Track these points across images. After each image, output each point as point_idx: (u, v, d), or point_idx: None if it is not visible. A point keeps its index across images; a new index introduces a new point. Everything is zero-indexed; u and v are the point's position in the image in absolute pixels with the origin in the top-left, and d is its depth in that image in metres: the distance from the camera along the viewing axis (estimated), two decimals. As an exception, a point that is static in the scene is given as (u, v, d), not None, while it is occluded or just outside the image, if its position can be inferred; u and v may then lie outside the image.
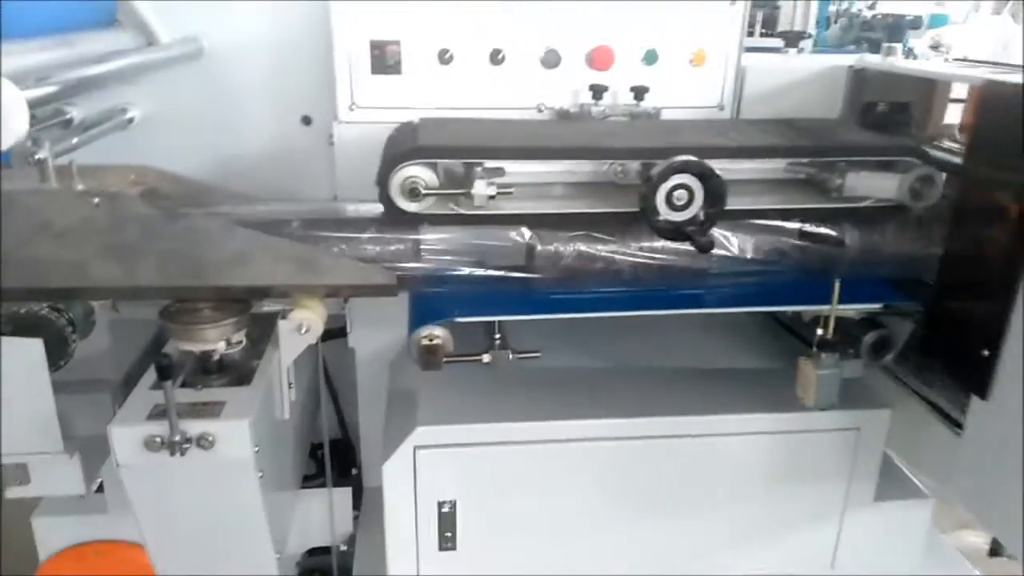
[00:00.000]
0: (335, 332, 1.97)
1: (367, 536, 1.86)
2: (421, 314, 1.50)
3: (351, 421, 2.30)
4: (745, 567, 1.72)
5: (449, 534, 1.59)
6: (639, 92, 1.76)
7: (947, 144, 1.66)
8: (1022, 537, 1.23)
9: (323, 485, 1.94)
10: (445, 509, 1.57)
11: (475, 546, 1.61)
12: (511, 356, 1.52)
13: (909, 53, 1.92)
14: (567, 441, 1.55)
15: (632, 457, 1.58)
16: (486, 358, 1.50)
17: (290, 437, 1.67)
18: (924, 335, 1.49)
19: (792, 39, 2.30)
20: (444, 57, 1.77)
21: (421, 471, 1.54)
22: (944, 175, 1.43)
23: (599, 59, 1.79)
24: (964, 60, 1.87)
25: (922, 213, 1.47)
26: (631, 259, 1.43)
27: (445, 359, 1.45)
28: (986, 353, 1.31)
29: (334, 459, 2.12)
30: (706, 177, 1.33)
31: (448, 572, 1.62)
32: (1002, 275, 1.27)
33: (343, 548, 1.91)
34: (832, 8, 7.68)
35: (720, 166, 1.41)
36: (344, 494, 1.90)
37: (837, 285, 1.43)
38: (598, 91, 1.76)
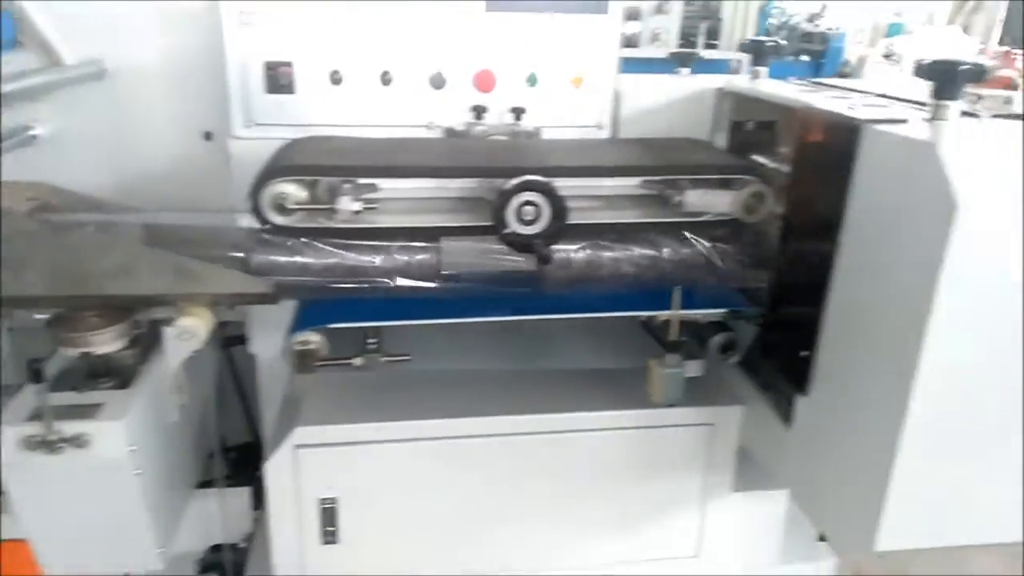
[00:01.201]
0: (240, 338, 2.07)
1: (265, 533, 1.96)
2: (301, 320, 1.60)
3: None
4: (617, 556, 1.85)
5: (331, 528, 1.69)
6: (518, 112, 1.89)
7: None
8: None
9: (237, 484, 2.03)
10: (327, 505, 1.67)
11: (357, 540, 1.71)
12: (383, 360, 1.63)
13: (846, 64, 2.06)
14: (439, 439, 1.67)
15: (500, 454, 1.70)
16: (357, 362, 1.61)
17: (183, 439, 1.76)
18: (763, 337, 1.64)
19: (684, 59, 2.45)
20: (335, 78, 1.88)
21: (302, 469, 1.64)
22: (770, 190, 1.58)
23: (482, 81, 1.91)
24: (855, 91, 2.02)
25: (760, 226, 1.61)
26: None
27: (318, 363, 1.56)
28: (805, 353, 1.46)
29: (246, 460, 2.22)
30: (550, 195, 1.46)
31: (332, 565, 1.72)
32: (817, 283, 1.41)
33: (242, 545, 2.00)
34: (772, 21, 7.94)
35: (575, 183, 1.55)
36: (244, 493, 1.99)
37: (677, 293, 1.57)
38: (479, 111, 1.88)
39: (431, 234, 1.55)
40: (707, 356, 1.70)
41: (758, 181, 1.58)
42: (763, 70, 2.04)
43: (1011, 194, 1.09)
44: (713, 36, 7.43)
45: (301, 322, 1.59)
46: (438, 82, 1.91)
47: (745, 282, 1.62)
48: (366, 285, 1.50)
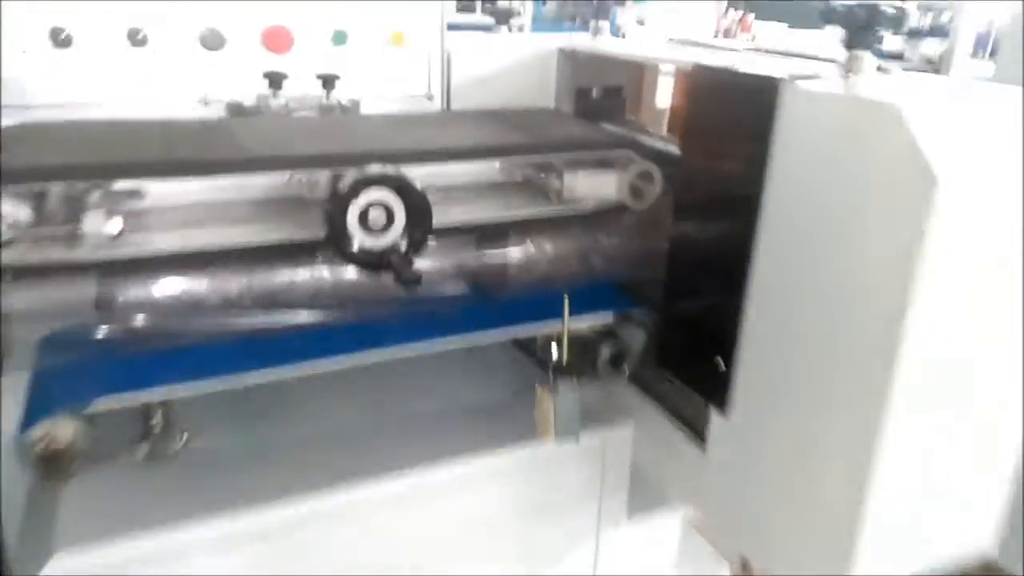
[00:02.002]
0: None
1: None
2: (39, 402, 1.07)
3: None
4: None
5: None
6: (328, 80, 1.46)
7: (664, 133, 1.57)
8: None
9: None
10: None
11: None
12: (182, 440, 1.15)
13: (617, 32, 1.84)
14: (266, 534, 1.22)
15: (361, 532, 1.30)
16: (137, 454, 1.12)
17: None
18: (659, 343, 1.39)
19: (502, 16, 2.13)
20: (60, 38, 1.32)
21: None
22: (660, 169, 1.32)
23: (274, 40, 1.45)
24: (676, 39, 1.82)
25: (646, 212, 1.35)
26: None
27: (76, 464, 1.05)
28: (722, 367, 1.23)
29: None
30: (406, 192, 1.07)
31: None
32: (728, 277, 1.17)
33: None
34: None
35: (425, 171, 1.17)
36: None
37: (567, 302, 1.27)
38: (276, 80, 1.42)
39: (230, 258, 1.10)
40: (597, 372, 1.43)
41: (644, 159, 1.31)
42: (604, 25, 1.79)
43: (990, 157, 0.91)
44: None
45: (39, 405, 1.05)
46: (213, 42, 1.41)
47: (636, 279, 1.36)
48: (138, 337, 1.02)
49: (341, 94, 1.51)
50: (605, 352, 1.44)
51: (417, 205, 1.08)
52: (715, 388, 1.22)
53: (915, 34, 9.85)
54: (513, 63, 1.69)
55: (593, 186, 1.27)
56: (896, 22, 1.08)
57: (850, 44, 1.09)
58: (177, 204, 1.10)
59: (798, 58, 1.34)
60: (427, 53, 1.61)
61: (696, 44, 1.64)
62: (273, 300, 1.13)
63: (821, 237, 1.02)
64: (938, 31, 9.52)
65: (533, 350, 1.52)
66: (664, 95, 1.79)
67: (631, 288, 1.42)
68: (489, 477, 1.43)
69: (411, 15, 1.57)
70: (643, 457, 1.54)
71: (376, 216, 1.06)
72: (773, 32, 10.68)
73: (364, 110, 1.55)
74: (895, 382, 0.94)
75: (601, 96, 1.77)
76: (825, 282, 1.02)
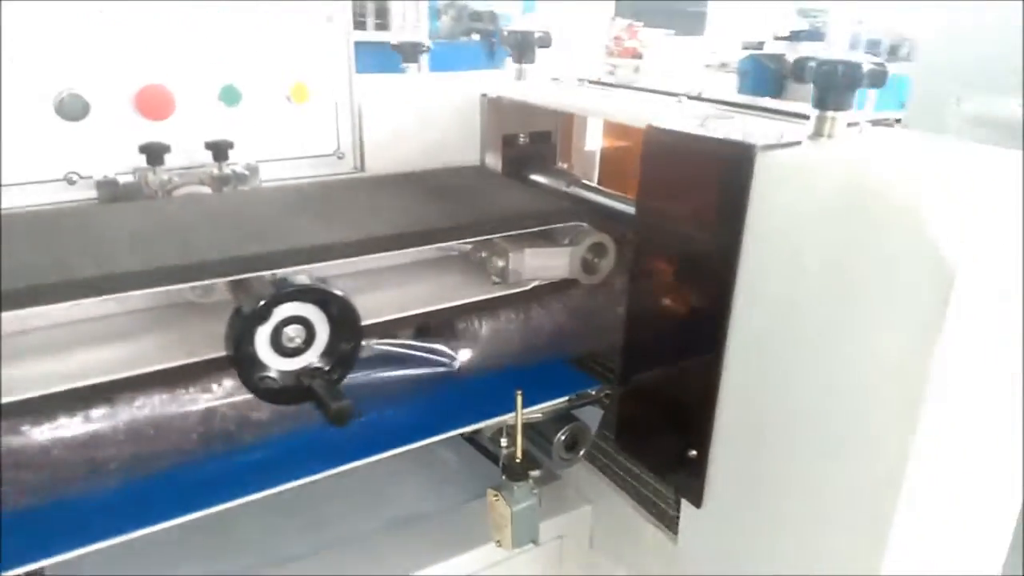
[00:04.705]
0: None
1: None
2: None
3: None
4: None
5: None
6: (219, 149, 1.23)
7: (596, 182, 1.44)
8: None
9: None
10: None
11: None
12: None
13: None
14: None
15: None
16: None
17: None
18: (618, 425, 1.26)
19: (409, 53, 1.93)
20: None
21: None
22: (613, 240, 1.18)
23: (148, 103, 1.22)
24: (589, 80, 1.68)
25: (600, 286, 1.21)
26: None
27: None
28: (693, 453, 1.10)
29: None
30: (329, 303, 0.88)
31: None
32: (698, 355, 1.05)
33: None
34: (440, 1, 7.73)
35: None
36: None
37: (519, 397, 1.11)
38: (154, 153, 1.19)
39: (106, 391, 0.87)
40: (552, 459, 1.28)
41: (594, 230, 1.16)
42: (528, 67, 1.64)
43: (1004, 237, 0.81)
44: (382, 16, 7.01)
45: None
46: (73, 110, 1.17)
47: (594, 353, 1.22)
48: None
49: (239, 158, 1.29)
50: (561, 438, 1.29)
51: (345, 318, 0.89)
52: (685, 476, 1.10)
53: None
54: (433, 111, 1.52)
55: (540, 267, 1.12)
56: (878, 79, 0.97)
57: (822, 104, 0.99)
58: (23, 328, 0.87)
59: (753, 111, 1.22)
60: (334, 106, 1.41)
61: (619, 86, 1.50)
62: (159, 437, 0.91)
63: (810, 312, 0.91)
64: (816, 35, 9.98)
65: (481, 442, 1.36)
66: (594, 140, 1.67)
67: (587, 361, 1.29)
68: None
69: (313, 65, 1.36)
70: (605, 544, 1.41)
71: (293, 333, 0.87)
72: (657, 38, 10.97)
73: (265, 176, 1.34)
74: (904, 485, 0.84)
75: (529, 142, 1.62)
76: (819, 371, 0.91)
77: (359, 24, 6.88)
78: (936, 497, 0.87)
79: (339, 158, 1.44)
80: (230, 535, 1.21)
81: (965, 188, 0.83)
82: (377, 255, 1.02)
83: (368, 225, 1.04)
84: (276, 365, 0.87)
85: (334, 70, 1.40)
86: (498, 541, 1.17)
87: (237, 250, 0.92)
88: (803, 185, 0.90)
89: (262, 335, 0.85)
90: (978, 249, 0.77)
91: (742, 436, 1.02)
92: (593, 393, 1.28)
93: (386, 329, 1.02)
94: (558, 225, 1.17)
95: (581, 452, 1.32)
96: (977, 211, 0.80)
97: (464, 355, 1.14)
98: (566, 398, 1.25)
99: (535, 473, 1.21)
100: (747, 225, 0.95)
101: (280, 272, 0.88)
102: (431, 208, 1.17)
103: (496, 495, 1.15)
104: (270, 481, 0.99)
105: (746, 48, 10.76)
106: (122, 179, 1.21)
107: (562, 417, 1.30)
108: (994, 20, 2.00)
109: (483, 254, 1.13)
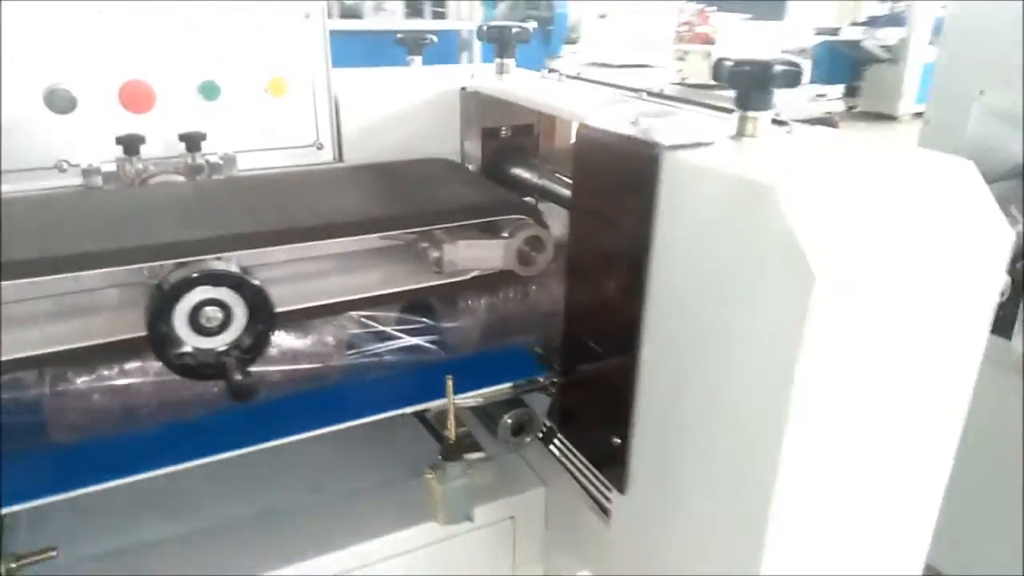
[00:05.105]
0: None
1: None
2: None
3: None
4: None
5: None
6: (191, 141, 1.33)
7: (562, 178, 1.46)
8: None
9: None
10: None
11: None
12: (14, 567, 1.02)
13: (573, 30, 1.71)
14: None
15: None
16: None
17: None
18: (560, 411, 1.29)
19: (414, 45, 1.99)
20: None
21: None
22: (552, 235, 1.21)
23: (131, 97, 1.32)
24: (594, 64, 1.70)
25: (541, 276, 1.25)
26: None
27: None
28: (617, 441, 1.13)
29: None
30: (242, 287, 0.95)
31: None
32: (619, 346, 1.07)
33: None
34: (498, -13, 7.76)
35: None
36: None
37: (450, 382, 1.16)
38: (130, 144, 1.29)
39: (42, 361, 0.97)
40: (499, 442, 1.32)
41: (533, 223, 1.20)
42: (509, 62, 1.67)
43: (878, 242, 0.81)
44: (439, 4, 7.08)
45: None
46: (61, 103, 1.28)
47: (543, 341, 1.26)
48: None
49: (215, 149, 1.38)
50: (506, 422, 1.34)
51: (258, 303, 0.96)
52: (611, 463, 1.13)
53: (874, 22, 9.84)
54: (411, 104, 1.57)
55: (474, 258, 1.16)
56: (791, 79, 0.97)
57: (743, 104, 0.99)
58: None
59: (712, 110, 1.22)
60: (312, 99, 1.48)
61: (596, 82, 1.52)
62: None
63: (706, 312, 0.93)
64: (896, 20, 9.52)
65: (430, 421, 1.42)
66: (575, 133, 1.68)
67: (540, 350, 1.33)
68: (393, 558, 1.33)
69: (290, 59, 1.44)
70: (556, 526, 1.45)
71: (210, 314, 0.94)
72: (731, 23, 10.61)
73: (247, 165, 1.43)
74: (776, 487, 0.85)
75: (511, 136, 1.66)
76: (713, 361, 0.93)
77: (416, 11, 6.96)
78: (814, 495, 0.88)
79: (318, 148, 1.51)
80: (180, 497, 1.30)
81: (834, 194, 0.83)
82: (309, 243, 1.09)
83: (316, 208, 1.11)
84: (195, 342, 0.95)
85: (311, 65, 1.47)
86: (434, 516, 1.23)
87: (175, 236, 1.00)
88: (701, 186, 0.91)
89: (181, 315, 0.93)
90: (839, 256, 0.77)
91: (657, 426, 1.04)
92: (541, 380, 1.31)
93: (315, 313, 1.09)
94: (502, 217, 1.20)
95: (528, 439, 1.37)
96: (840, 218, 0.80)
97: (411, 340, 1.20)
98: (510, 384, 1.29)
99: (476, 455, 1.26)
100: (656, 224, 0.97)
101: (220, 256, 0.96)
102: (379, 198, 1.23)
103: (430, 473, 1.21)
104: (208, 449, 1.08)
105: (820, 34, 10.32)
106: (105, 168, 1.31)
107: (511, 402, 1.34)
108: (1018, 11, 1.91)
109: (423, 244, 1.18)
